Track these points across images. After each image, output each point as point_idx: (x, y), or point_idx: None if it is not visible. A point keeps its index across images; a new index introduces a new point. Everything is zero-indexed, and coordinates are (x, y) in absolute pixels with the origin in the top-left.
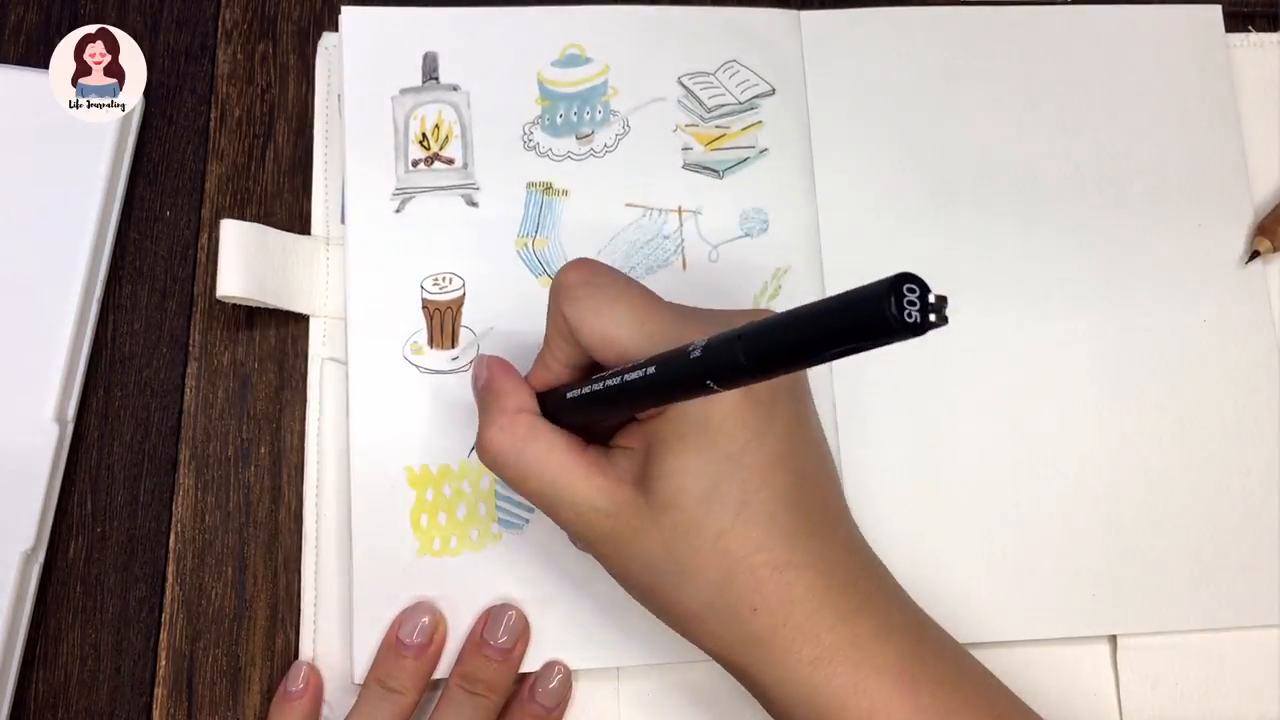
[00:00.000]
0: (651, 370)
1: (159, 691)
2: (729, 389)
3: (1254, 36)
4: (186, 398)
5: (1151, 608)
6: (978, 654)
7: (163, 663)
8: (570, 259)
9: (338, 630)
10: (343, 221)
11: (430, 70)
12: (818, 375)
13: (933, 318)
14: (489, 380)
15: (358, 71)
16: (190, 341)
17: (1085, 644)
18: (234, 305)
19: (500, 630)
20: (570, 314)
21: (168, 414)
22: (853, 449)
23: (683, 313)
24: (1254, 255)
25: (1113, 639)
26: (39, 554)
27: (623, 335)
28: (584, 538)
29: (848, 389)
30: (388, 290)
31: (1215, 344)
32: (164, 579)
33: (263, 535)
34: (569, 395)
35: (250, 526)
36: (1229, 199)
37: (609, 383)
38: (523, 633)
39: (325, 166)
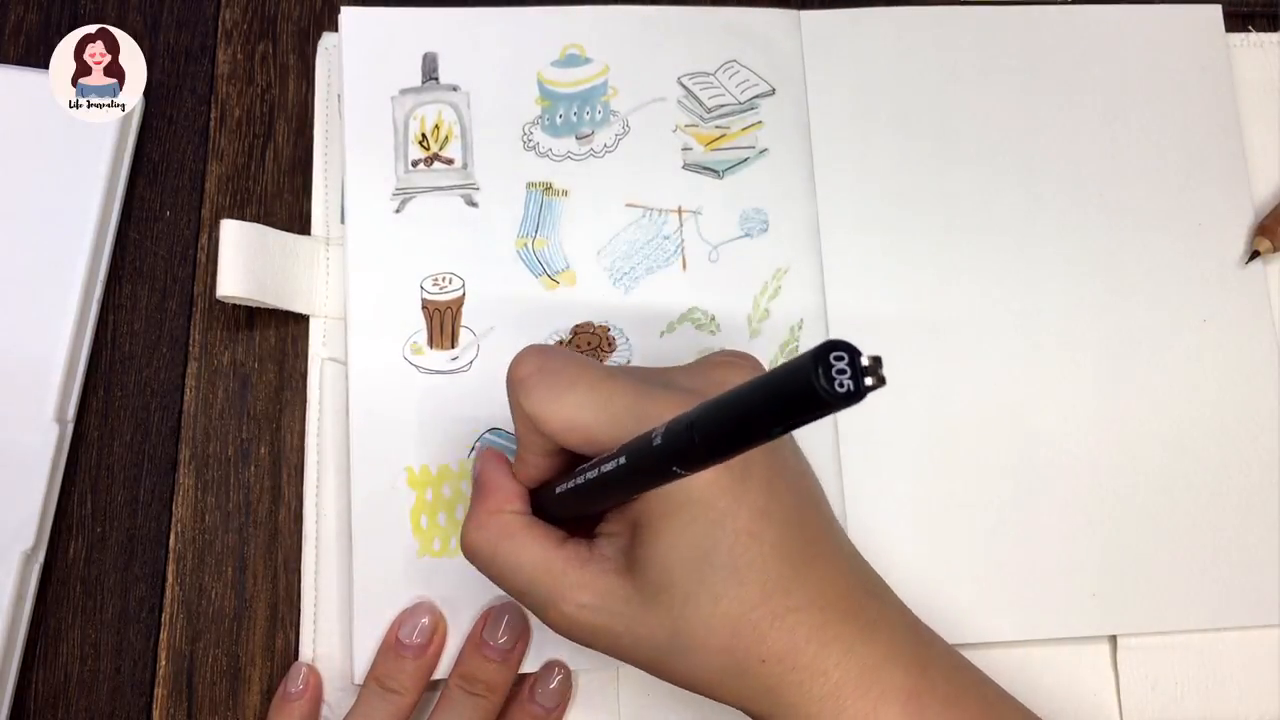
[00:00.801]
0: (622, 460)
1: (159, 691)
2: (696, 471)
3: (1254, 36)
4: (186, 398)
5: (1151, 608)
6: (978, 654)
7: (163, 663)
8: (569, 260)
9: (337, 630)
10: (342, 221)
11: (430, 70)
12: None
13: (868, 381)
14: (477, 476)
15: (358, 71)
16: (190, 341)
17: (1085, 644)
18: (234, 305)
19: (500, 630)
20: (529, 407)
21: (168, 414)
22: (853, 450)
23: (643, 382)
24: (1254, 255)
25: (1113, 639)
26: (39, 554)
27: (586, 419)
28: (575, 636)
29: None
30: (387, 290)
31: (1215, 343)
32: (164, 579)
33: (263, 535)
34: (556, 491)
35: (250, 526)
36: (1229, 199)
37: (588, 475)
38: (522, 633)
39: (325, 167)
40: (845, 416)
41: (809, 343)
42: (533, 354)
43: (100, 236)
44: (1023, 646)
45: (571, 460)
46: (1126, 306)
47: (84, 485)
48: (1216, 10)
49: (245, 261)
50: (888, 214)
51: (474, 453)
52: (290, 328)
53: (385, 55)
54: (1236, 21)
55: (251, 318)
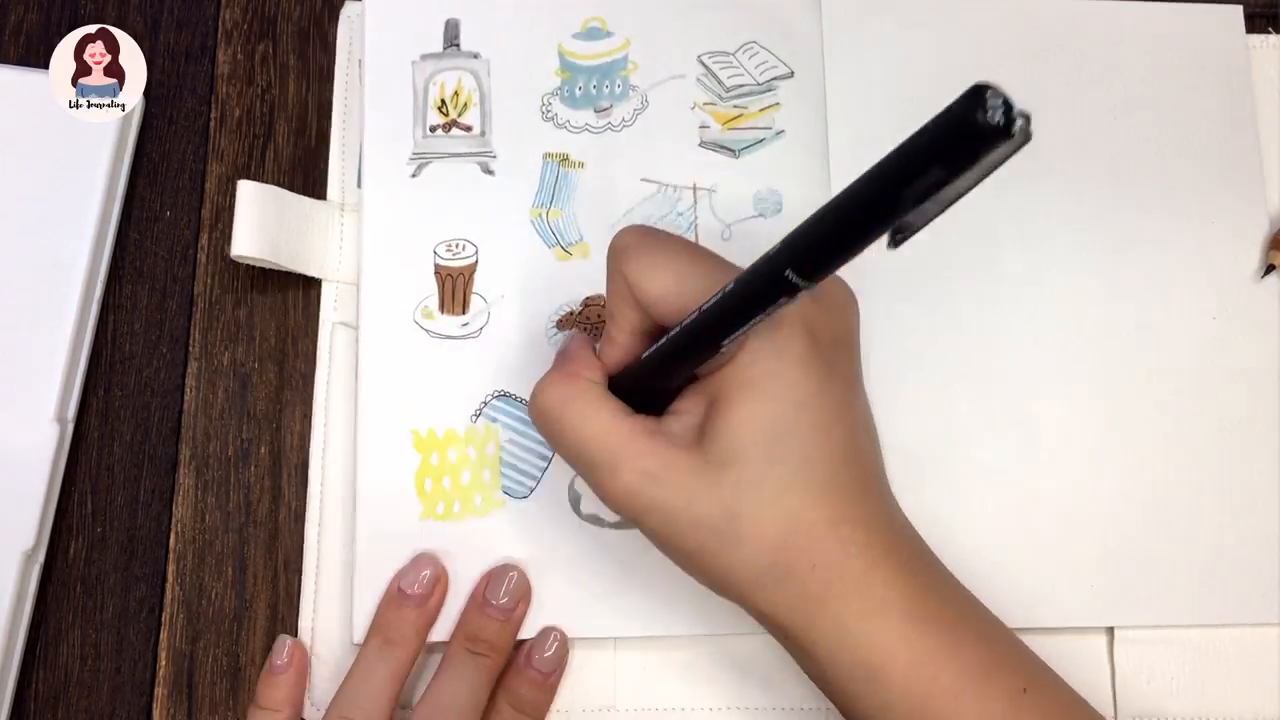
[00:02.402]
0: (730, 286)
1: (159, 691)
2: (814, 280)
3: (1274, 39)
4: (186, 398)
5: (1150, 602)
6: None
7: (163, 663)
8: (583, 232)
9: (339, 591)
10: (359, 185)
11: (452, 37)
12: None
13: (1019, 123)
14: (562, 347)
15: (380, 36)
16: (190, 341)
17: (1082, 635)
18: (234, 305)
19: (502, 590)
20: (631, 273)
21: (168, 414)
22: None
23: (737, 266)
24: (1269, 269)
25: (1110, 631)
26: (39, 554)
27: (685, 288)
28: (629, 506)
29: None
30: (401, 254)
31: (1222, 340)
32: (164, 579)
33: (263, 535)
34: (645, 355)
35: (250, 526)
36: (1243, 198)
37: (688, 320)
38: (524, 594)
39: (343, 133)
40: None
41: None
42: (635, 228)
43: (100, 236)
44: (1020, 635)
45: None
46: (1134, 301)
47: (84, 485)
48: (1237, 11)
49: (260, 222)
50: None
51: (481, 418)
52: (291, 328)
53: (408, 20)
54: (1258, 23)
55: (253, 317)
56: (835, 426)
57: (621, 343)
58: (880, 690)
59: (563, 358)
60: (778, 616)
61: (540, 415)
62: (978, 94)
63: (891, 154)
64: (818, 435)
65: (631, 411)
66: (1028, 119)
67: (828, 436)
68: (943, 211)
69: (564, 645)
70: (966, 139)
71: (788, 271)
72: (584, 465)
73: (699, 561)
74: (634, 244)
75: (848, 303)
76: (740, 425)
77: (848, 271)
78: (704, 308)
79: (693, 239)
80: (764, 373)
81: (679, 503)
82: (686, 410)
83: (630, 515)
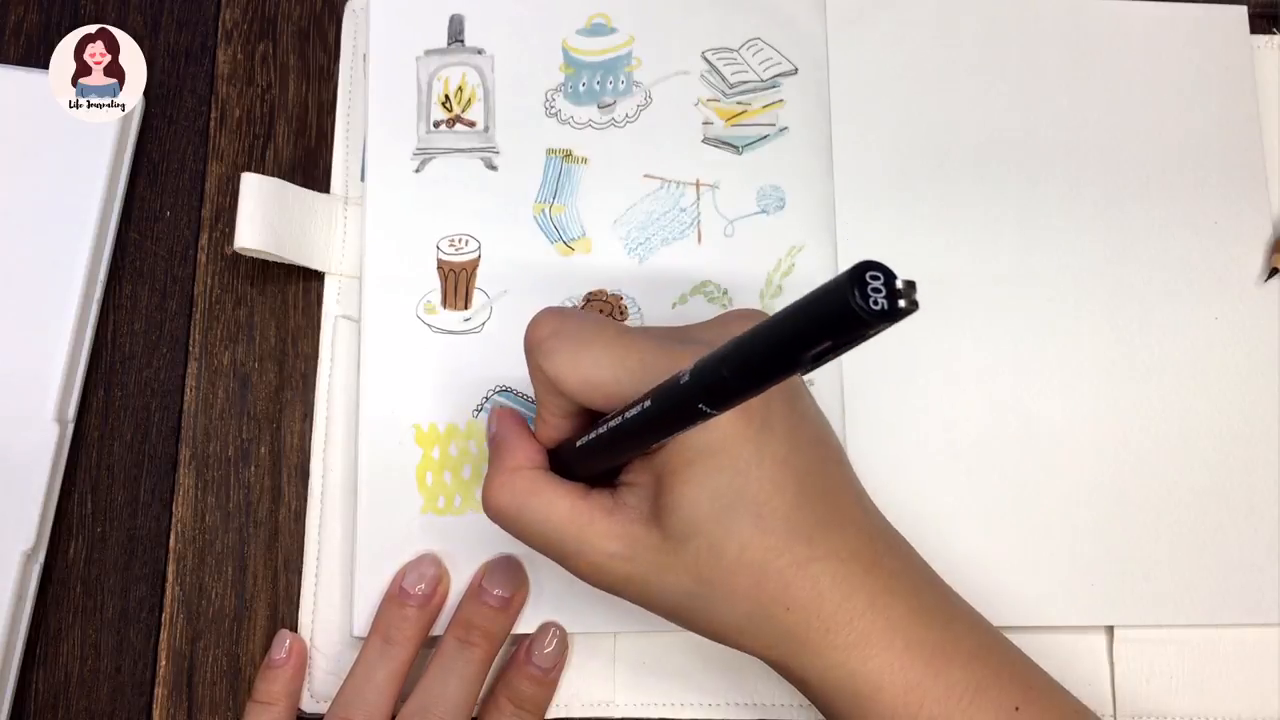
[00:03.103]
0: (648, 404)
1: (159, 691)
2: (724, 410)
3: (1278, 39)
4: (187, 398)
5: (1150, 601)
6: None
7: (163, 663)
8: (585, 227)
9: (339, 584)
10: (362, 179)
11: (456, 33)
12: (829, 366)
13: (901, 303)
14: (495, 435)
15: (384, 31)
16: (190, 341)
17: (1082, 633)
18: (234, 305)
19: (498, 580)
20: (548, 368)
21: (168, 414)
22: (858, 438)
23: (660, 339)
24: (1273, 272)
25: (1110, 630)
26: (39, 554)
27: (605, 376)
28: (605, 585)
29: (855, 380)
30: (404, 249)
31: (1224, 341)
32: (164, 579)
33: (263, 535)
34: (578, 444)
35: (250, 526)
36: (1246, 198)
37: (612, 424)
38: (521, 583)
39: (347, 127)
40: (852, 407)
41: None
42: (549, 316)
43: (100, 236)
44: (1019, 633)
45: (590, 420)
46: (1137, 300)
47: (84, 485)
48: (1241, 11)
49: (264, 215)
50: (904, 197)
51: (482, 412)
52: (291, 327)
53: (412, 16)
54: (1261, 23)
55: (253, 317)
56: (783, 477)
57: (554, 424)
58: (873, 716)
59: (500, 450)
60: (766, 655)
61: (499, 516)
62: (857, 277)
63: (787, 317)
64: (766, 490)
65: (585, 489)
66: (912, 297)
67: (777, 489)
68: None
69: (564, 641)
70: (850, 323)
71: (700, 405)
72: (553, 553)
73: (681, 620)
74: (548, 337)
75: None
76: (689, 504)
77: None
78: (623, 419)
79: (695, 235)
80: (699, 453)
81: (649, 575)
82: (638, 483)
83: (605, 589)
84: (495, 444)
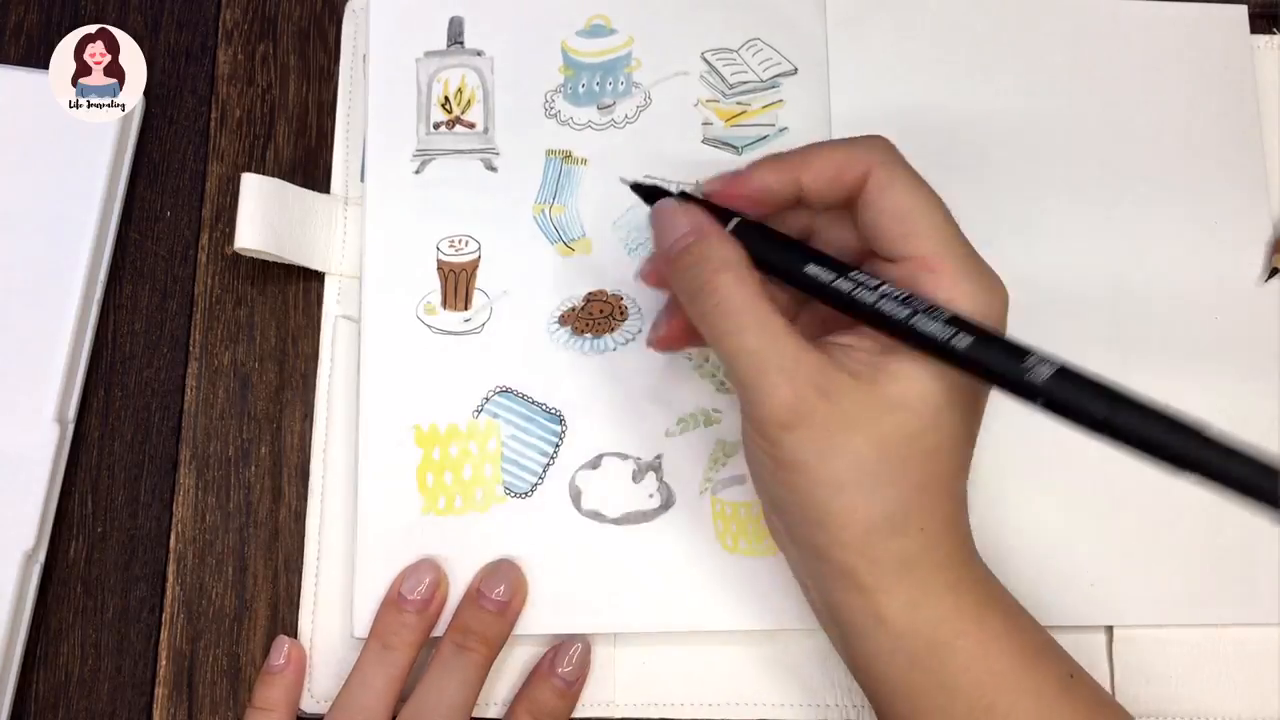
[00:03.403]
0: (967, 341)
1: (159, 691)
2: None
3: (1278, 39)
4: (187, 398)
5: (1149, 601)
6: None
7: (163, 663)
8: (586, 228)
9: (339, 584)
10: (362, 180)
11: (455, 34)
12: None
13: None
14: (696, 226)
15: (384, 33)
16: (190, 341)
17: (1081, 633)
18: (235, 305)
19: (497, 584)
20: (883, 173)
21: (168, 414)
22: None
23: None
24: (1274, 272)
25: (1109, 630)
26: (39, 554)
27: (922, 225)
28: (784, 418)
29: None
30: (404, 250)
31: (1223, 342)
32: (164, 579)
33: (263, 535)
34: (842, 276)
35: (251, 526)
36: (1246, 201)
37: (917, 304)
38: (520, 587)
39: (347, 128)
40: None
41: None
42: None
43: (100, 236)
44: None
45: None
46: (1135, 300)
47: (84, 485)
48: (1241, 10)
49: (264, 215)
50: None
51: (482, 413)
52: (292, 327)
53: (412, 18)
54: (1261, 23)
55: (253, 317)
56: (974, 437)
57: (771, 178)
58: (944, 666)
59: (707, 241)
60: (860, 575)
61: (717, 308)
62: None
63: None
64: (973, 417)
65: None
66: None
67: (972, 439)
68: None
69: (587, 653)
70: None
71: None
72: (754, 365)
73: (823, 495)
74: (895, 158)
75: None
76: (916, 379)
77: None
78: (925, 307)
79: None
80: (950, 381)
81: (837, 425)
82: (860, 347)
83: (779, 424)
84: (698, 231)
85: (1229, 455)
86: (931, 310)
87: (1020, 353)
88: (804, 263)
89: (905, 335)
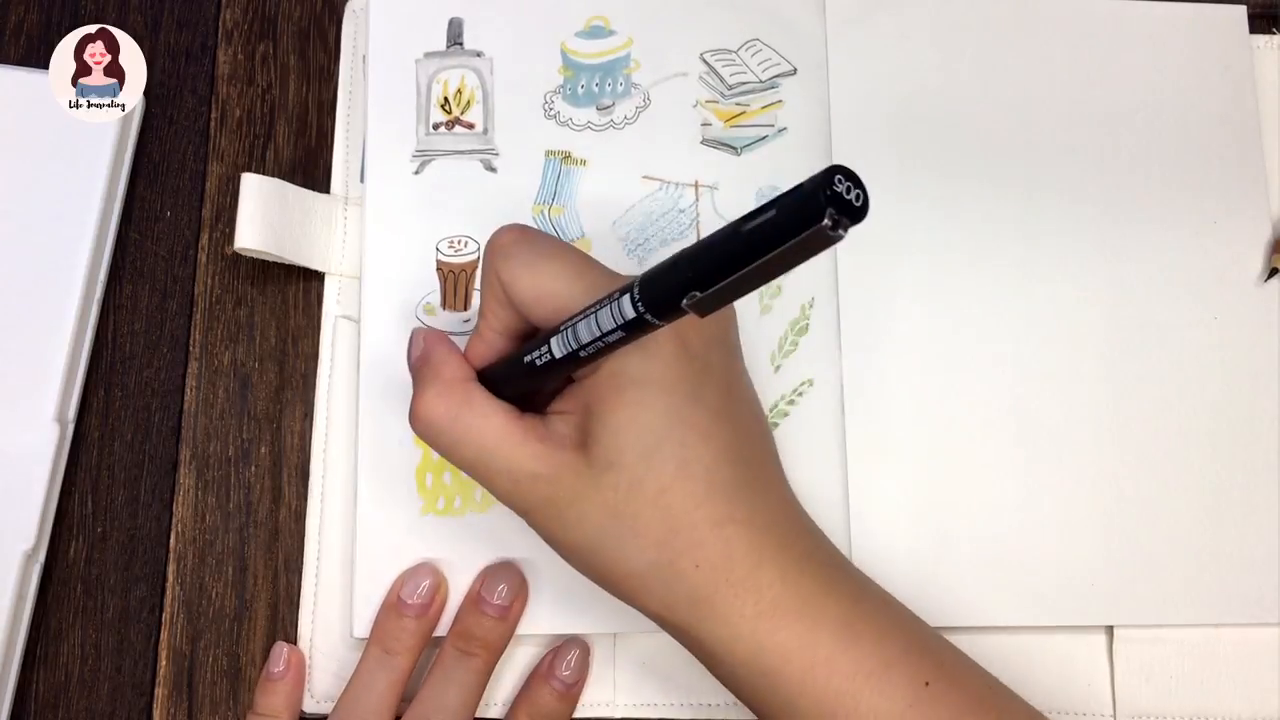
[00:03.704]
0: (593, 310)
1: (159, 691)
2: (669, 321)
3: (1277, 39)
4: (187, 398)
5: (1150, 601)
6: (973, 638)
7: (163, 663)
8: (585, 228)
9: (339, 585)
10: (362, 181)
11: (455, 35)
12: (827, 362)
13: (856, 202)
14: (426, 351)
15: (384, 33)
16: (190, 341)
17: (1082, 633)
18: (235, 305)
19: (498, 587)
20: (504, 272)
21: (168, 414)
22: (858, 434)
23: (615, 273)
24: (1273, 272)
25: (1109, 630)
26: (39, 554)
27: (559, 289)
28: (521, 506)
29: (855, 379)
30: (403, 250)
31: (1223, 340)
32: (164, 579)
33: (263, 535)
34: (524, 357)
35: (251, 526)
36: (1246, 198)
37: (554, 334)
38: (520, 591)
39: (347, 128)
40: (852, 403)
41: (819, 321)
42: (515, 227)
43: (100, 236)
44: (1019, 632)
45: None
46: (1135, 300)
47: (84, 485)
48: (1241, 11)
49: (264, 215)
50: (903, 198)
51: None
52: (292, 327)
53: (411, 19)
54: (1261, 23)
55: (253, 317)
56: (715, 428)
57: (491, 340)
58: (780, 689)
59: (432, 363)
60: (667, 616)
61: (429, 426)
62: (828, 179)
63: (754, 214)
64: (695, 437)
65: (518, 411)
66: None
67: (706, 439)
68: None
69: (586, 655)
70: (817, 215)
71: (645, 314)
72: (478, 470)
73: (587, 559)
74: (509, 243)
75: None
76: (616, 432)
77: (847, 257)
78: (566, 329)
79: (695, 236)
80: (633, 381)
81: (566, 503)
82: (568, 410)
83: (521, 512)
84: (425, 359)
85: (771, 213)
86: (568, 326)
87: (628, 284)
88: (503, 368)
89: (584, 352)
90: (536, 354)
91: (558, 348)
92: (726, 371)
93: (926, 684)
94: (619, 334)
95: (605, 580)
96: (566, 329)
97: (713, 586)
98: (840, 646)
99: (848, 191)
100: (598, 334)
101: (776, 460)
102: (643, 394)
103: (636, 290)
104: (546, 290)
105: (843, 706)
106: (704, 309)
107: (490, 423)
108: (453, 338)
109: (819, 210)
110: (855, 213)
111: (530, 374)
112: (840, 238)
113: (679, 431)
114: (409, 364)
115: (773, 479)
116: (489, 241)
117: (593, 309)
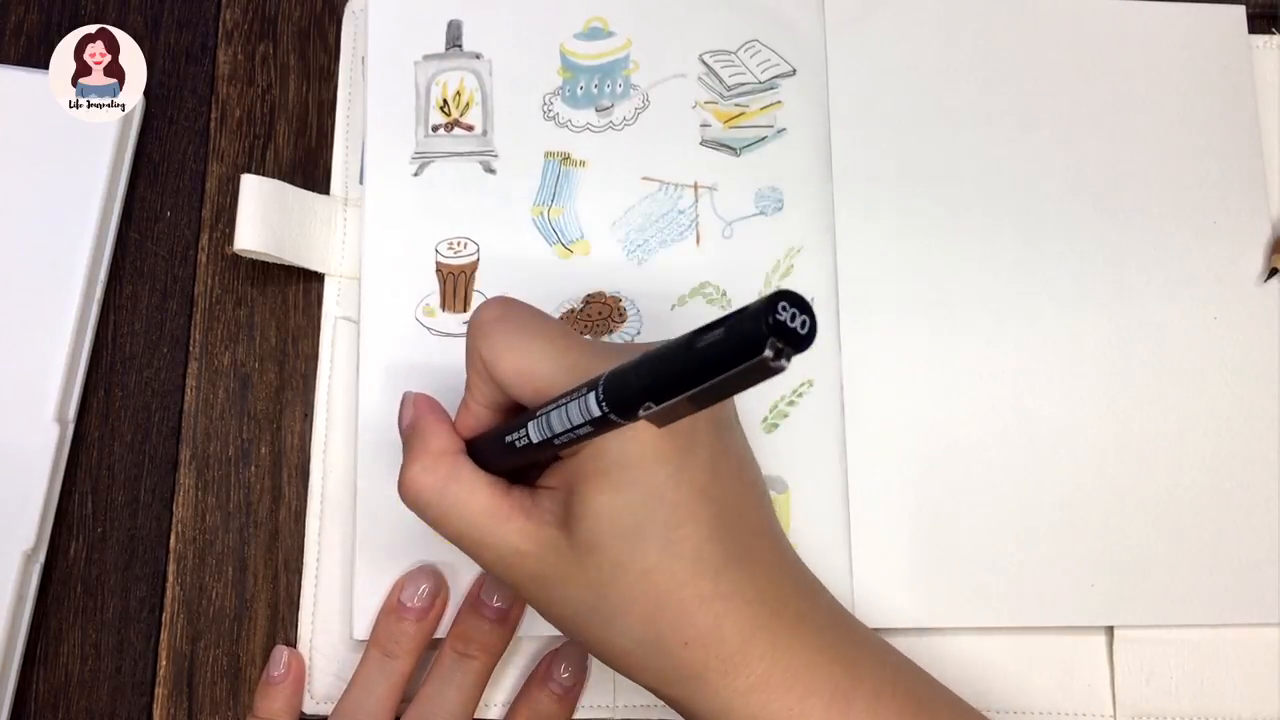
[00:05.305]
0: (565, 402)
1: (159, 691)
2: (630, 420)
3: (1276, 39)
4: (187, 398)
5: (1150, 602)
6: (974, 639)
7: (163, 663)
8: (584, 229)
9: (339, 587)
10: (361, 182)
11: (454, 37)
12: (827, 362)
13: (803, 330)
14: (415, 420)
15: (383, 36)
16: (190, 341)
17: (1082, 634)
18: (235, 305)
19: (498, 590)
20: (485, 351)
21: (168, 414)
22: (857, 433)
23: (603, 347)
24: (1273, 272)
25: (1109, 630)
26: (39, 554)
27: (540, 369)
28: (509, 580)
29: (855, 379)
30: (403, 252)
31: (1223, 341)
32: (164, 579)
33: (263, 535)
34: (505, 440)
35: (251, 526)
36: (1245, 198)
37: (532, 419)
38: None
39: (346, 129)
40: (852, 403)
41: (819, 322)
42: (498, 301)
43: (100, 236)
44: (1019, 633)
45: (511, 416)
46: (1135, 300)
47: (84, 485)
48: (1240, 11)
49: (264, 216)
50: (902, 198)
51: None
52: (292, 327)
53: (410, 21)
54: (1261, 23)
55: (253, 317)
56: (699, 507)
57: (477, 413)
58: None
59: (421, 433)
60: (661, 690)
61: (417, 497)
62: (771, 305)
63: (702, 333)
64: (680, 516)
65: (506, 485)
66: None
67: (691, 517)
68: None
69: (585, 658)
70: (757, 347)
71: (608, 411)
72: (466, 542)
73: (577, 635)
74: (491, 320)
75: None
76: (596, 516)
77: (847, 258)
78: (542, 415)
79: (694, 237)
80: (615, 463)
81: (553, 581)
82: (554, 486)
83: (509, 585)
84: (415, 427)
85: (719, 333)
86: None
87: (593, 382)
88: (491, 441)
89: (565, 438)
90: (516, 436)
91: (534, 433)
92: (713, 445)
93: None
94: (588, 429)
95: (596, 654)
96: (542, 416)
97: (703, 663)
98: (833, 713)
99: (792, 319)
100: (569, 426)
101: (770, 525)
102: (624, 475)
103: (601, 390)
104: (527, 371)
105: None
106: (659, 422)
107: (476, 498)
108: (452, 339)
109: (759, 341)
110: (800, 341)
111: (513, 452)
112: (783, 368)
113: (662, 512)
114: (399, 429)
115: (766, 547)
116: (472, 317)
117: (564, 400)
